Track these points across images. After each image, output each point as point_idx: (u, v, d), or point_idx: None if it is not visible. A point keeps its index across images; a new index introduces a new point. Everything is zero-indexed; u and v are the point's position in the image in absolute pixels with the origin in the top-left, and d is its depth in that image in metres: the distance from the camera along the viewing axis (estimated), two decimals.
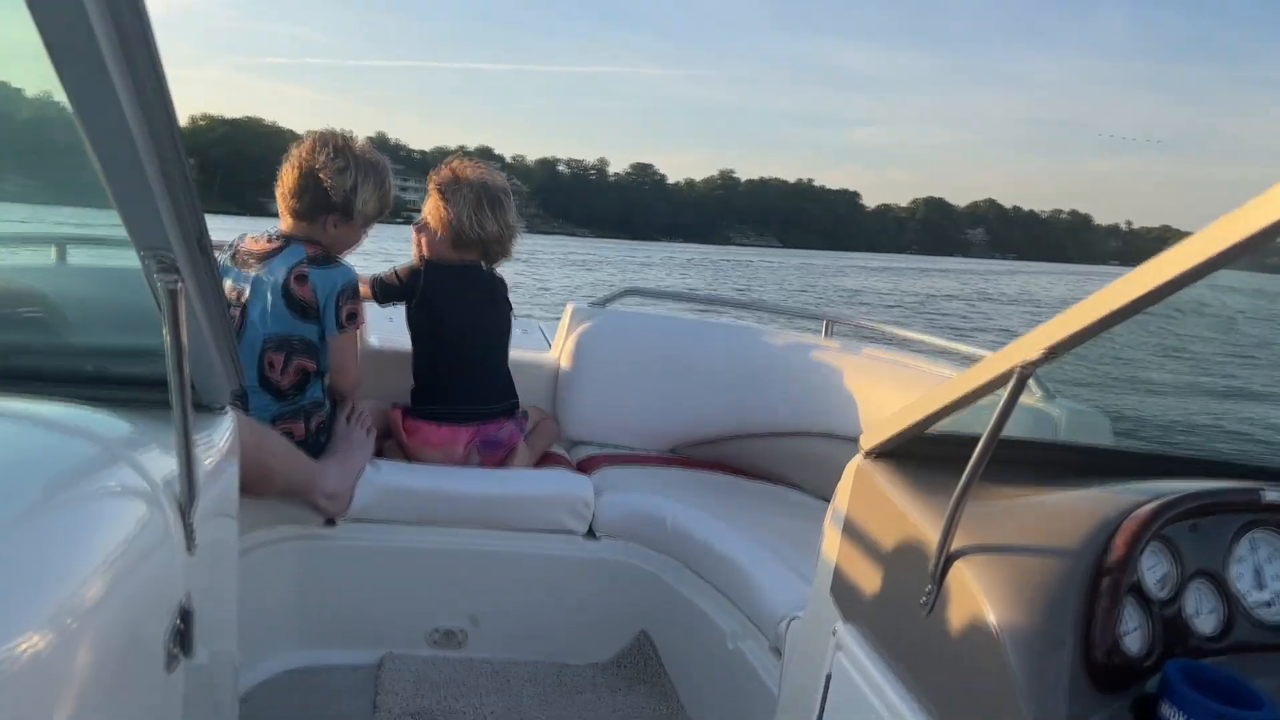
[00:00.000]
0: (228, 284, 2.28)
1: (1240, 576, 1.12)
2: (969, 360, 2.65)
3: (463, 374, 2.60)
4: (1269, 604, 1.12)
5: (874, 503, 1.33)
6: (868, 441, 1.37)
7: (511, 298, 2.74)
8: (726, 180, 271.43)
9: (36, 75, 0.80)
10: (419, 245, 2.65)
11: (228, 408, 1.41)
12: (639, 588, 2.48)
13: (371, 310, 2.61)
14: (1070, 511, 1.13)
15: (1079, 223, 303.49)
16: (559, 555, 2.47)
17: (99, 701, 0.84)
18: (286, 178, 2.30)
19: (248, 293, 2.27)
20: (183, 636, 1.12)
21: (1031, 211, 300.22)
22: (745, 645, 2.07)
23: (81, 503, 0.96)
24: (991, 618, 1.02)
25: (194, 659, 1.15)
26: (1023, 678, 0.97)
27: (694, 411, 3.05)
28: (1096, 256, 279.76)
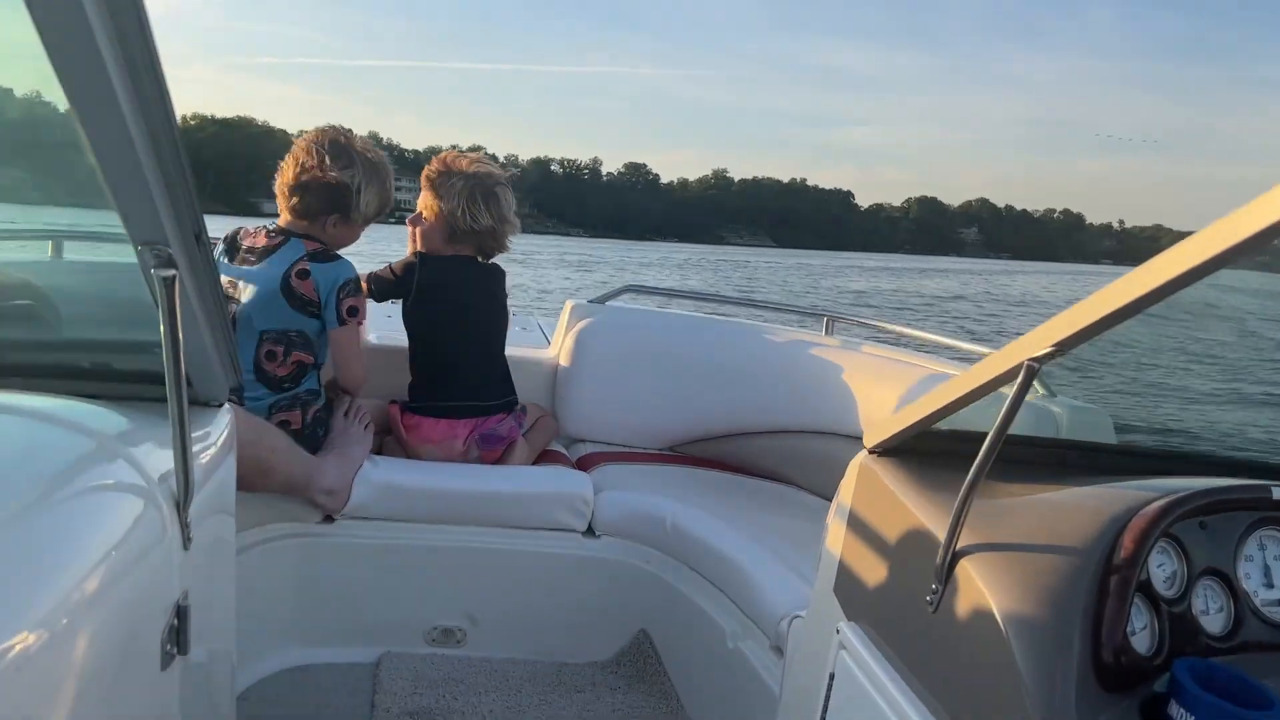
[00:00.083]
0: (225, 278, 2.27)
1: (1249, 575, 1.11)
2: (969, 357, 2.65)
3: (460, 368, 2.59)
4: (1278, 602, 1.11)
5: (878, 499, 1.32)
6: (872, 438, 1.36)
7: (509, 302, 2.73)
8: (720, 180, 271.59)
9: (34, 69, 0.79)
10: (413, 239, 2.64)
11: (225, 403, 1.40)
12: (638, 586, 2.47)
13: (369, 306, 2.60)
14: (1077, 509, 1.12)
15: (1072, 222, 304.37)
16: (558, 553, 2.46)
17: (94, 699, 0.83)
18: (287, 174, 2.29)
19: (245, 286, 2.26)
20: (178, 634, 1.11)
21: (1025, 211, 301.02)
22: (745, 644, 2.07)
23: (77, 499, 0.95)
24: (998, 616, 1.01)
25: (190, 657, 1.14)
26: (1030, 678, 0.96)
27: (693, 409, 3.04)
28: (1089, 256, 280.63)
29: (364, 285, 2.46)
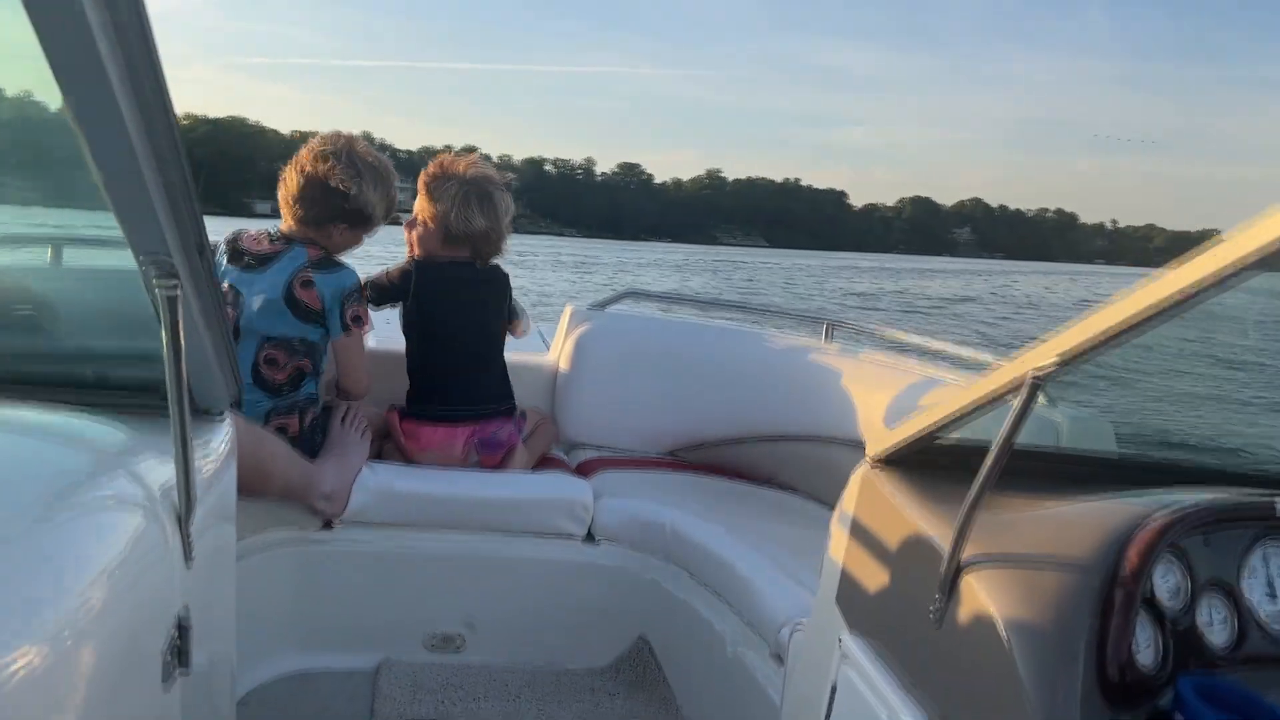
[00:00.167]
0: (224, 283, 2.26)
1: (1253, 588, 1.11)
2: (968, 364, 2.65)
3: (458, 373, 2.58)
4: None
5: (881, 511, 1.32)
6: (874, 448, 1.36)
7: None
8: (714, 180, 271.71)
9: (36, 78, 0.78)
10: (410, 243, 2.64)
11: (226, 414, 1.39)
12: (638, 592, 2.47)
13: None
14: (1081, 522, 1.12)
15: (1065, 222, 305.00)
16: (557, 559, 2.46)
17: (96, 717, 0.83)
18: (290, 183, 2.29)
19: (246, 293, 2.25)
20: (180, 650, 1.11)
21: (1018, 210, 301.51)
22: (745, 651, 2.06)
23: (79, 516, 0.95)
24: (1002, 630, 1.01)
25: (192, 670, 1.14)
26: (1034, 692, 0.96)
27: (693, 414, 3.04)
28: (1083, 256, 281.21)
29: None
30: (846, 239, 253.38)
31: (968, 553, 1.10)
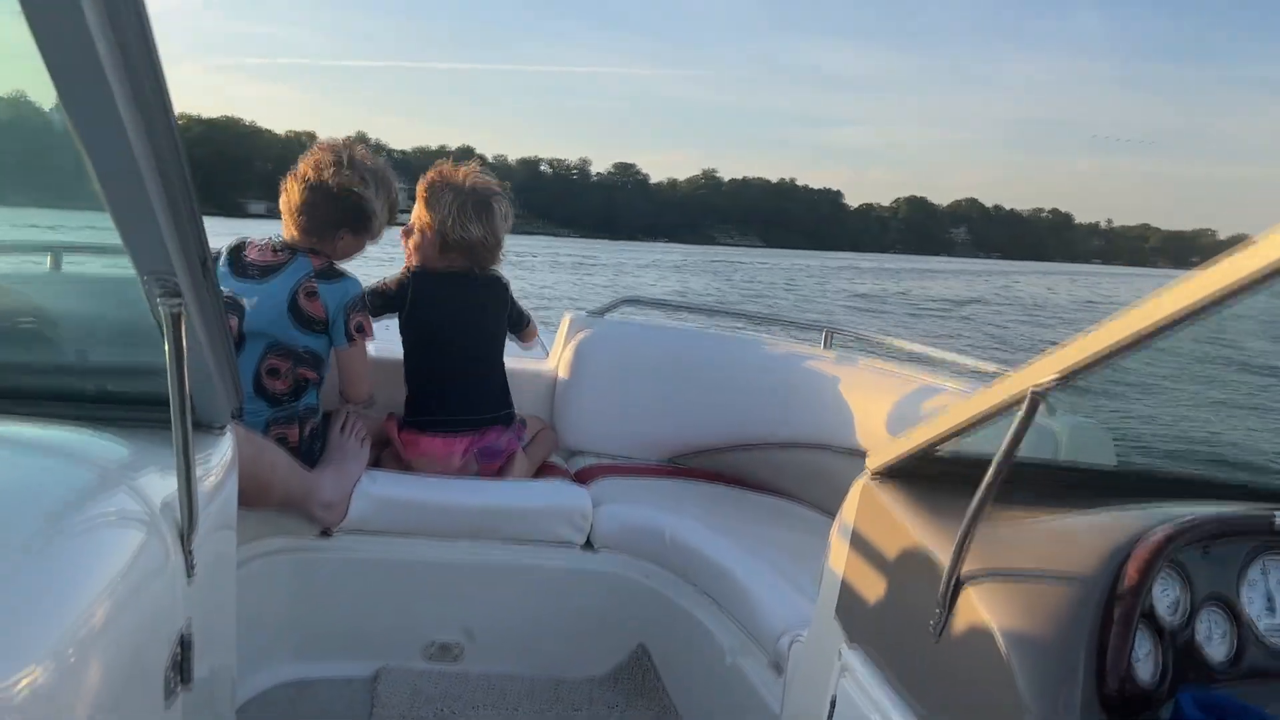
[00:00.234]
0: (226, 292, 2.27)
1: (1251, 601, 1.12)
2: (967, 372, 2.65)
3: (455, 382, 2.57)
4: None
5: (880, 523, 1.32)
6: (874, 460, 1.36)
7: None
8: (709, 180, 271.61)
9: (36, 83, 0.78)
10: (407, 252, 2.63)
11: (227, 427, 1.39)
12: (637, 601, 2.47)
13: None
14: (1081, 536, 1.13)
15: (1060, 221, 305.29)
16: (556, 567, 2.46)
17: None
18: (292, 193, 2.30)
19: (250, 302, 2.25)
20: (182, 666, 1.11)
21: (1013, 210, 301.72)
22: (744, 661, 2.07)
23: (81, 533, 0.95)
24: (1002, 644, 1.02)
25: (193, 685, 1.14)
26: (1034, 706, 0.96)
27: (692, 422, 3.05)
28: (1078, 255, 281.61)
29: None
30: (842, 239, 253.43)
31: (967, 566, 1.11)
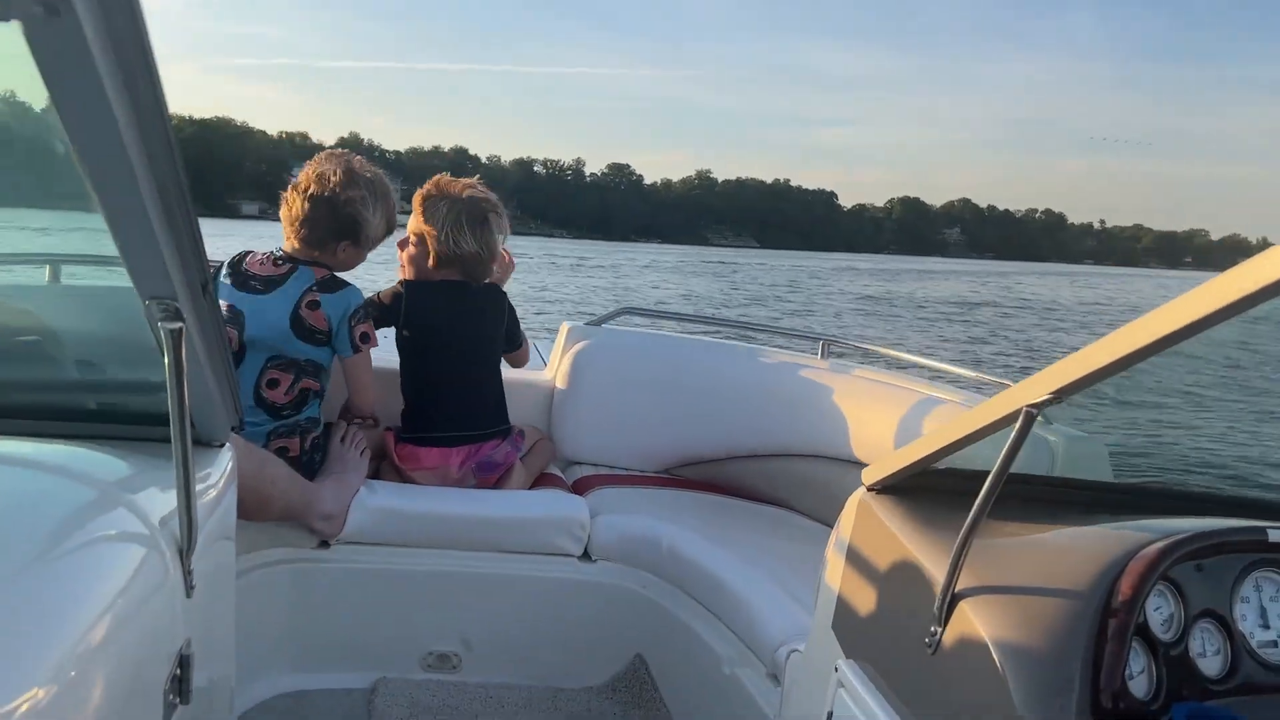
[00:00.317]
0: (228, 304, 2.27)
1: (1245, 616, 1.13)
2: (964, 383, 2.67)
3: (451, 396, 2.57)
4: (1274, 643, 1.13)
5: (877, 538, 1.33)
6: (870, 476, 1.37)
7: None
8: (704, 180, 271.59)
9: (40, 101, 0.78)
10: (401, 263, 2.63)
11: (227, 443, 1.40)
12: (634, 611, 2.47)
13: None
14: (1076, 551, 1.14)
15: (1053, 222, 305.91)
16: (554, 578, 2.46)
17: None
18: (294, 205, 2.30)
19: (250, 314, 2.26)
20: (181, 684, 1.11)
21: (1007, 211, 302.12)
22: (741, 671, 2.07)
23: (81, 551, 0.96)
24: (997, 659, 1.03)
25: (192, 700, 1.14)
26: None
27: (690, 432, 3.05)
28: (1072, 256, 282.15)
29: None
30: (836, 239, 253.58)
31: (963, 581, 1.11)
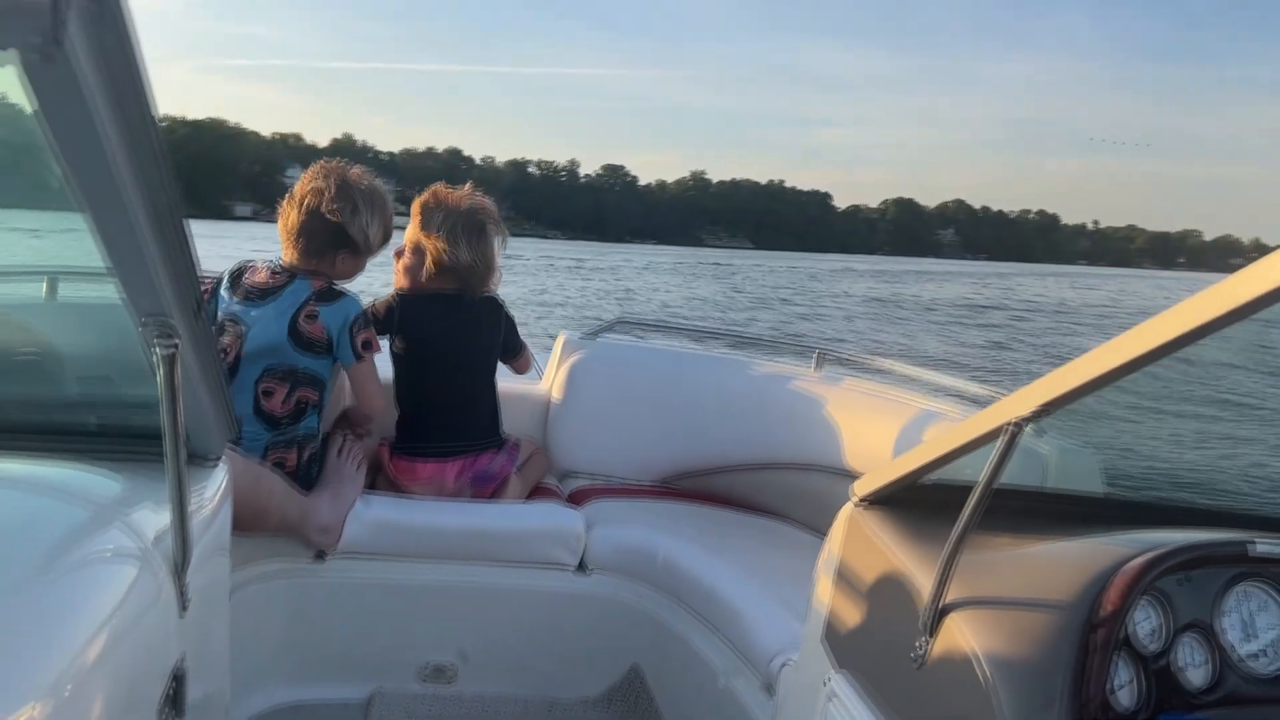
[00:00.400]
0: (226, 314, 2.28)
1: (1230, 628, 1.14)
2: (957, 395, 2.68)
3: (446, 408, 2.56)
4: (1258, 655, 1.14)
5: (867, 551, 1.34)
6: (860, 489, 1.38)
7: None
8: (698, 181, 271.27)
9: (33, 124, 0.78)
10: (396, 273, 2.63)
11: (221, 459, 1.40)
12: (630, 623, 2.48)
13: None
14: (1062, 563, 1.15)
15: (1047, 222, 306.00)
16: (550, 589, 2.46)
17: None
18: (290, 218, 2.31)
19: (249, 326, 2.26)
20: (176, 700, 1.12)
21: (1000, 212, 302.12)
22: (736, 683, 2.07)
23: (76, 569, 0.96)
24: (984, 671, 1.04)
25: (186, 716, 1.15)
26: None
27: (685, 443, 3.06)
28: (1065, 256, 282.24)
29: None
30: (831, 240, 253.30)
31: (951, 593, 1.13)
